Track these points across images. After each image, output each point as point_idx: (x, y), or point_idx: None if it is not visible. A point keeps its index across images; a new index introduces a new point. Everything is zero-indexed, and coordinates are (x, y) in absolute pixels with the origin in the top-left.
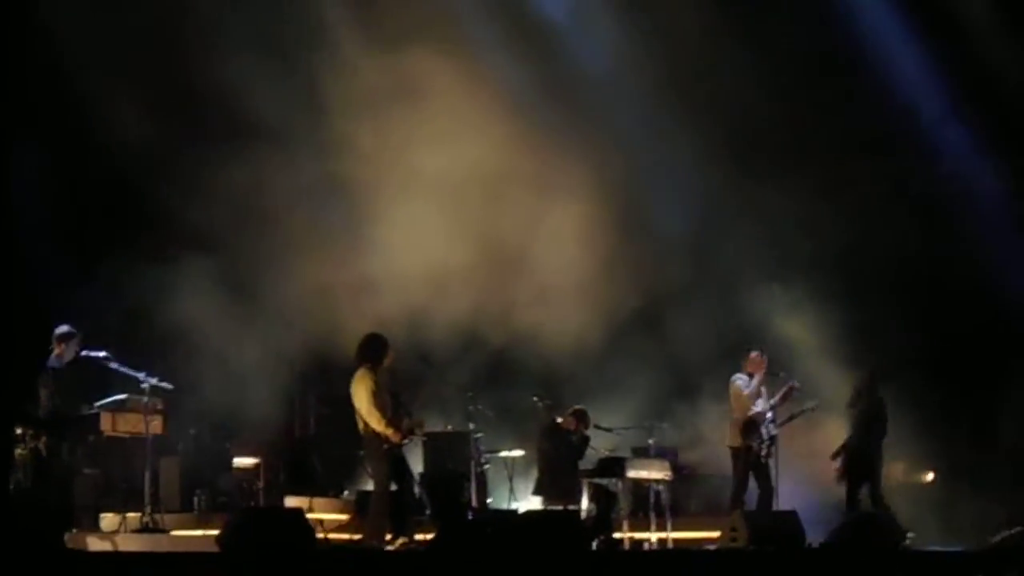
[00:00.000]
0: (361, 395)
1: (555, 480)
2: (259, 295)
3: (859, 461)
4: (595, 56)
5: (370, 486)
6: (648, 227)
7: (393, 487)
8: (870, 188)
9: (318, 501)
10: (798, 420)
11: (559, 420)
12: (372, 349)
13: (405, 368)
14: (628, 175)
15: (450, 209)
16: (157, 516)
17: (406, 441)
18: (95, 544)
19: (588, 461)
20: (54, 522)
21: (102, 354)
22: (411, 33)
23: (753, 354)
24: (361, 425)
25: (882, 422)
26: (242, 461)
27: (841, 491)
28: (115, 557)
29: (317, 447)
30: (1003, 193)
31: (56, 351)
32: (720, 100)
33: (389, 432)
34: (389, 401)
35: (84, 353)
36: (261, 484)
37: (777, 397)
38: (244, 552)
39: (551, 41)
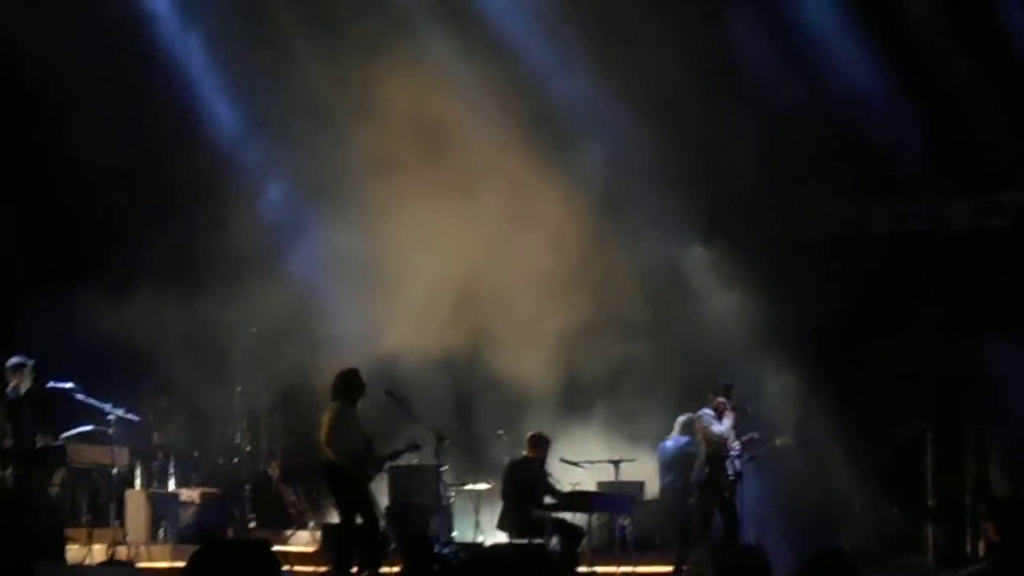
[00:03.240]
0: (323, 426)
1: (520, 515)
2: (226, 329)
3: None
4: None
5: (336, 519)
6: (614, 257)
7: (359, 520)
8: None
9: (284, 533)
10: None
11: (525, 453)
12: (345, 385)
13: (372, 403)
14: (598, 201)
15: (415, 242)
16: (123, 548)
17: (370, 473)
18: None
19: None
20: (21, 554)
21: (68, 385)
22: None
23: (719, 398)
24: (324, 457)
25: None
26: (208, 493)
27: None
28: None
29: (284, 479)
30: None
31: (12, 383)
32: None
33: (351, 467)
34: (359, 439)
35: (50, 385)
36: (227, 516)
37: (738, 441)
38: None
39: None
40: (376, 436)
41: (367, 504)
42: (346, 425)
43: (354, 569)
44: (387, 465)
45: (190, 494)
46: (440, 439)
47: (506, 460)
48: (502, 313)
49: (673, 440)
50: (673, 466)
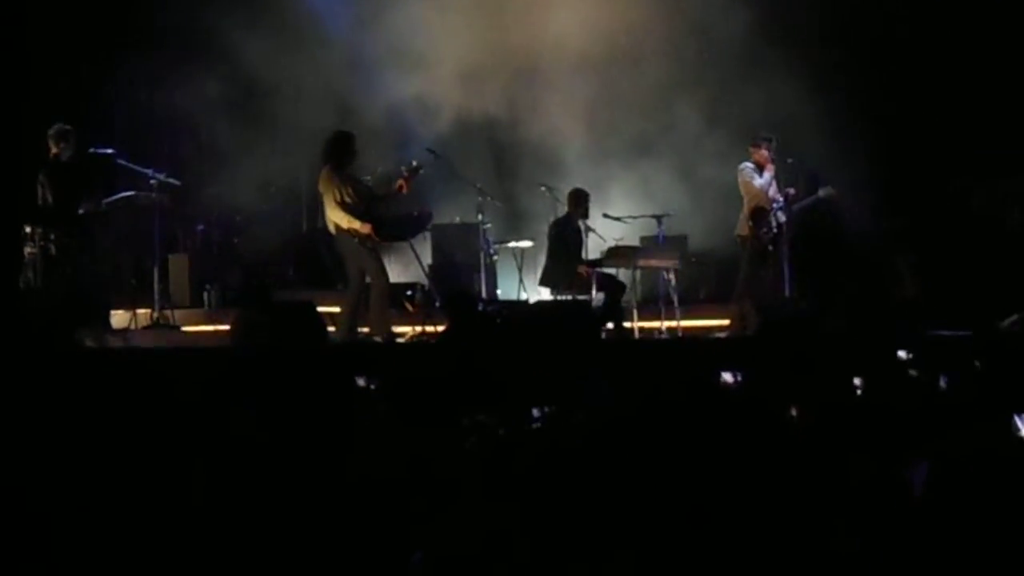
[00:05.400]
0: (325, 195)
1: (564, 270)
2: (268, 91)
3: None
4: None
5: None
6: (658, 14)
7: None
8: None
9: (327, 294)
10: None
11: (567, 210)
12: (336, 148)
13: (421, 163)
14: None
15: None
16: (167, 312)
17: (378, 236)
18: (106, 341)
19: (597, 250)
20: (65, 320)
21: (109, 151)
22: None
23: (762, 150)
24: (332, 226)
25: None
26: (250, 256)
27: None
28: (128, 353)
29: (325, 241)
30: None
31: (53, 150)
32: None
33: (356, 226)
34: (359, 199)
35: (92, 150)
36: (270, 279)
37: (780, 193)
38: (257, 346)
39: None
40: (419, 196)
41: (377, 265)
42: (338, 187)
43: (364, 329)
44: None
45: (233, 258)
46: (482, 194)
47: (550, 218)
48: (540, 78)
49: None
50: None
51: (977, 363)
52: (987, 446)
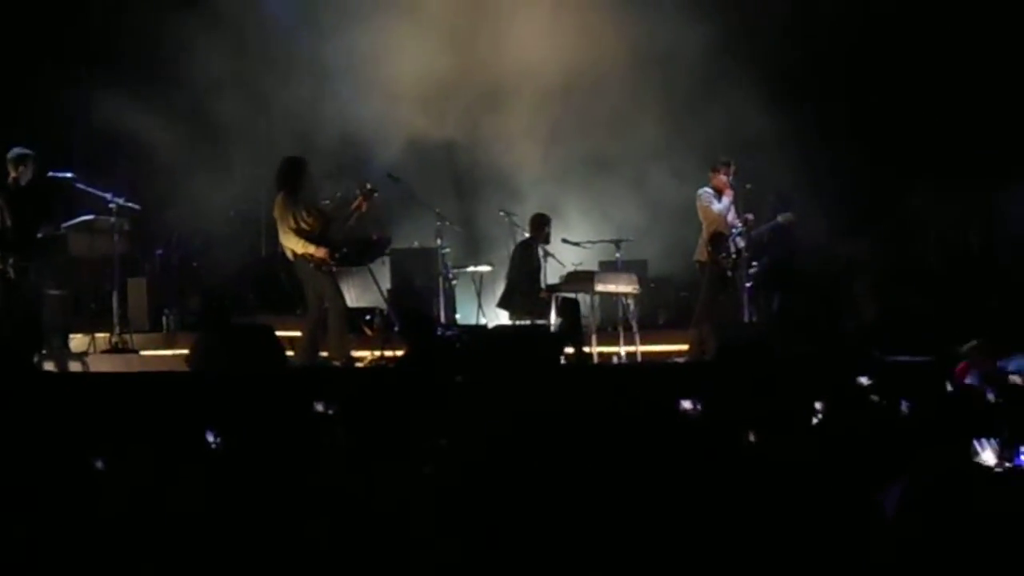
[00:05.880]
0: (280, 221)
1: (524, 295)
2: (227, 115)
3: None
4: None
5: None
6: (619, 35)
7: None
8: None
9: (286, 319)
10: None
11: (527, 235)
12: (289, 173)
13: (377, 185)
14: None
15: (414, 22)
16: (126, 336)
17: (333, 261)
18: (64, 364)
19: (555, 275)
20: (24, 343)
21: (69, 175)
22: None
23: (720, 175)
24: (288, 252)
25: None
26: (209, 280)
27: None
28: (86, 378)
29: (283, 265)
30: None
31: (12, 174)
32: None
33: (311, 251)
34: (315, 223)
35: (51, 174)
36: (229, 303)
37: (739, 219)
38: (215, 371)
39: None
40: (378, 221)
41: (333, 289)
42: (292, 212)
43: (323, 353)
44: (348, 226)
45: (192, 282)
46: (441, 219)
47: (509, 243)
48: (500, 103)
49: None
50: None
51: (938, 388)
52: (954, 469)
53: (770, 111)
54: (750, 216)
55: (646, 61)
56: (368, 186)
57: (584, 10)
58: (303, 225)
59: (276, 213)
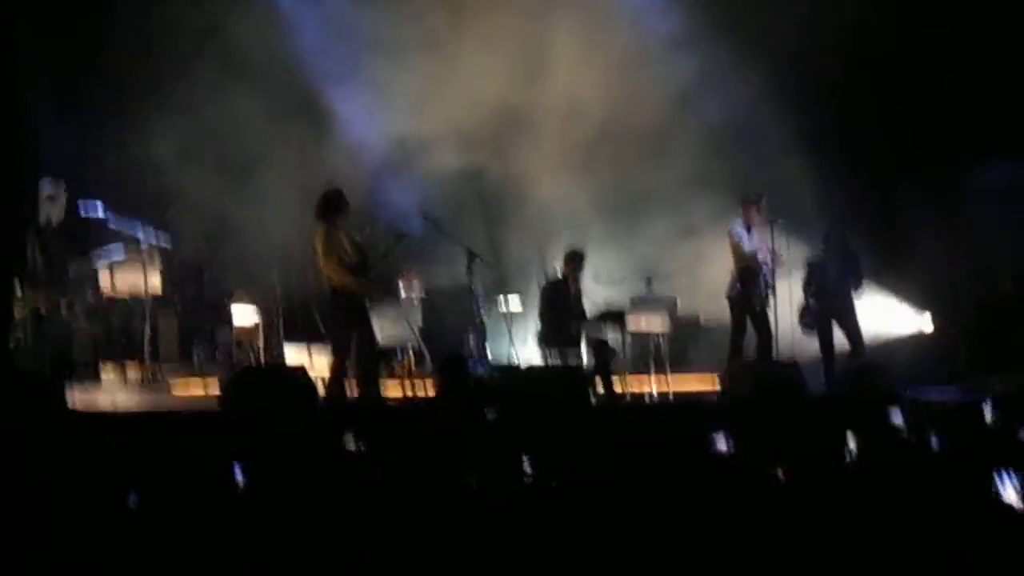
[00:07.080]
0: (318, 253)
1: (557, 332)
2: (256, 151)
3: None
4: None
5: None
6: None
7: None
8: None
9: (317, 351)
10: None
11: (560, 271)
12: (328, 205)
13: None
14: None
15: (441, 63)
16: (156, 368)
17: (369, 296)
18: (95, 400)
19: (587, 312)
20: (55, 380)
21: (100, 213)
22: None
23: (751, 210)
24: (326, 283)
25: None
26: (240, 316)
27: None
28: (117, 417)
29: (315, 299)
30: None
31: (44, 212)
32: None
33: (348, 282)
34: (353, 254)
35: (82, 213)
36: (260, 338)
37: (769, 255)
38: (245, 412)
39: None
40: (410, 256)
41: (365, 325)
42: (335, 244)
43: (353, 391)
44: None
45: (222, 317)
46: (472, 256)
47: (540, 277)
48: (532, 135)
49: None
50: None
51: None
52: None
53: (804, 151)
54: (782, 252)
55: (682, 99)
56: (401, 232)
57: (621, 46)
58: (343, 256)
59: (317, 246)
